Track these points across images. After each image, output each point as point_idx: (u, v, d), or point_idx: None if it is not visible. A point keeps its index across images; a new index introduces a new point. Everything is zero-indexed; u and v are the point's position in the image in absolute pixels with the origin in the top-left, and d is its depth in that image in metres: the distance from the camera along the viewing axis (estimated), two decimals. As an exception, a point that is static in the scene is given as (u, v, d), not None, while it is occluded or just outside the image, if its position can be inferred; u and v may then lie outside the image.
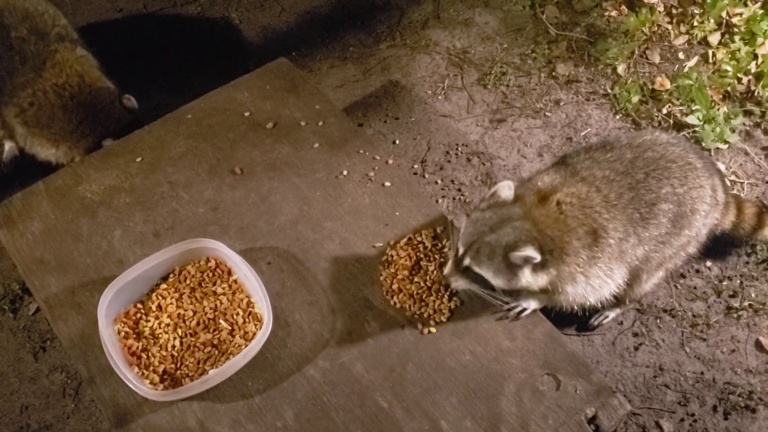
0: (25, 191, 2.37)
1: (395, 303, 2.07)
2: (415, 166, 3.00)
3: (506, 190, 1.96)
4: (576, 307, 2.09)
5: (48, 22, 2.75)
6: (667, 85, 3.16)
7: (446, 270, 1.99)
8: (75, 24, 3.00)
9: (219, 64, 3.38)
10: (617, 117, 3.13)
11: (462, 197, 2.89)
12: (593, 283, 1.99)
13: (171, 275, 2.12)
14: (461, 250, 1.93)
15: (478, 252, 1.89)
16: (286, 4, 3.61)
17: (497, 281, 1.91)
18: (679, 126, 3.04)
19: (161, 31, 3.54)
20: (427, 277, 2.10)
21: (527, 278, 1.90)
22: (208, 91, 2.61)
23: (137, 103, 2.82)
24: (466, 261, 1.91)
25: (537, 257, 1.84)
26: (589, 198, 1.97)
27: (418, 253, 2.15)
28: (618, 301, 2.25)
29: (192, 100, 2.58)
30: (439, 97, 3.24)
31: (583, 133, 3.08)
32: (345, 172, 2.38)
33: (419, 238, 2.20)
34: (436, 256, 2.15)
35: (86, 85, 2.70)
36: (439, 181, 2.94)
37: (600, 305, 2.12)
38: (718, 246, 2.50)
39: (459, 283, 1.98)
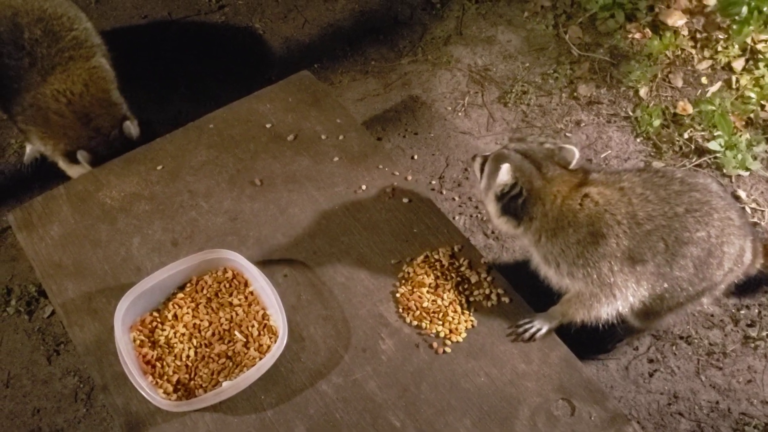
0: (45, 195, 2.39)
1: (411, 321, 2.06)
2: (433, 182, 3.00)
3: (570, 153, 2.05)
4: (585, 321, 2.06)
5: (65, 25, 2.75)
6: (690, 109, 3.14)
7: (482, 152, 2.25)
8: (100, 28, 3.03)
9: (241, 74, 3.39)
10: (638, 140, 3.11)
11: (479, 215, 2.88)
12: (563, 279, 2.03)
13: (188, 284, 2.12)
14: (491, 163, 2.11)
15: (499, 153, 2.09)
16: (310, 16, 3.63)
17: (482, 182, 2.13)
18: (701, 151, 3.02)
19: (185, 39, 3.57)
20: (444, 296, 2.09)
21: (492, 206, 2.08)
22: (230, 99, 2.63)
23: (139, 130, 2.75)
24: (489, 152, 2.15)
25: (498, 185, 2.00)
26: (615, 206, 1.96)
27: (435, 272, 2.15)
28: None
29: (213, 109, 2.60)
30: (459, 114, 3.24)
31: (603, 155, 3.07)
32: (364, 187, 2.38)
33: (437, 256, 2.19)
34: (453, 274, 2.14)
35: (88, 94, 2.66)
36: (457, 198, 2.94)
37: (613, 325, 2.10)
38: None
39: (474, 164, 2.22)
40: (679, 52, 3.35)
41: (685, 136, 3.09)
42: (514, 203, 2.02)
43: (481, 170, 2.16)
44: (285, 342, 1.94)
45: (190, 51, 3.51)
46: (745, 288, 2.64)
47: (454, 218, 2.86)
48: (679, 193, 2.01)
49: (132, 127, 2.68)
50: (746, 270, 2.22)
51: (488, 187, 2.09)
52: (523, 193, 2.00)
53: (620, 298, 1.98)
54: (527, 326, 2.04)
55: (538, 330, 2.03)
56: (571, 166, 2.04)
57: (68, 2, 2.88)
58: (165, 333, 2.02)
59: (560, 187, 2.00)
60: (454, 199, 2.94)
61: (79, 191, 2.39)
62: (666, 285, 2.00)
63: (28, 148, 3.04)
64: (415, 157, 3.08)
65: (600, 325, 2.09)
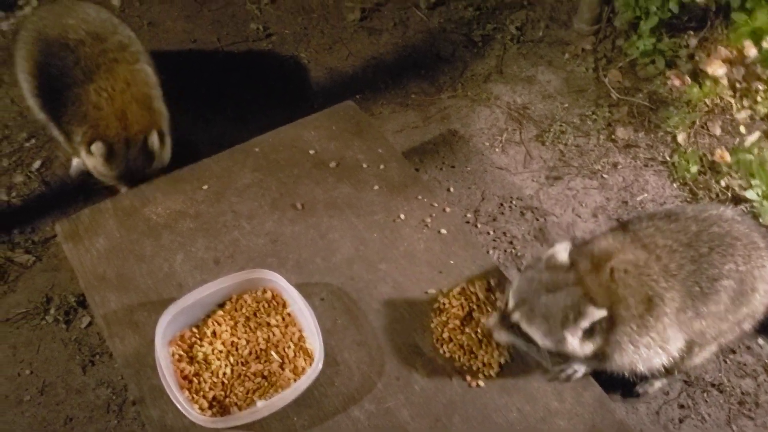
0: (92, 208, 2.46)
1: (445, 352, 2.08)
2: (468, 216, 3.03)
3: (563, 252, 1.96)
4: (626, 374, 2.07)
5: (109, 29, 2.84)
6: (727, 158, 3.15)
7: (490, 321, 2.01)
8: (151, 49, 3.13)
9: (285, 100, 3.47)
10: (675, 185, 3.12)
11: (513, 250, 2.90)
12: (642, 353, 1.97)
13: (228, 303, 2.16)
14: (511, 305, 1.94)
15: (531, 311, 1.90)
16: (354, 48, 3.72)
17: (545, 343, 1.92)
18: (738, 200, 3.03)
19: (232, 64, 3.67)
20: (479, 329, 2.10)
21: (574, 344, 1.90)
22: (273, 124, 2.69)
23: (169, 151, 2.76)
24: (516, 317, 1.93)
25: (586, 324, 1.85)
26: (647, 266, 1.97)
27: (470, 304, 2.17)
28: (667, 370, 2.22)
29: (256, 133, 2.66)
30: (497, 150, 3.28)
31: (639, 198, 3.08)
32: (402, 216, 2.41)
33: (472, 289, 2.21)
34: (488, 308, 2.16)
35: (129, 92, 2.70)
36: (491, 233, 2.96)
37: (649, 373, 2.10)
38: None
39: (502, 337, 2.00)
40: (719, 101, 3.37)
41: (722, 183, 3.09)
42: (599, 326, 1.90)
43: (518, 336, 1.97)
44: (321, 365, 1.96)
45: (236, 76, 3.60)
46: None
47: (488, 252, 2.88)
48: (698, 233, 2.03)
49: (157, 142, 2.69)
50: None
51: (559, 337, 1.90)
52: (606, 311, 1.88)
53: (673, 348, 1.99)
54: (565, 368, 2.04)
55: (575, 372, 2.03)
56: (566, 259, 1.94)
57: (113, 15, 3.00)
58: (203, 349, 2.06)
59: (590, 278, 1.92)
60: (488, 233, 2.96)
61: (125, 206, 2.45)
62: (704, 322, 2.01)
63: (74, 161, 3.13)
64: (452, 189, 3.12)
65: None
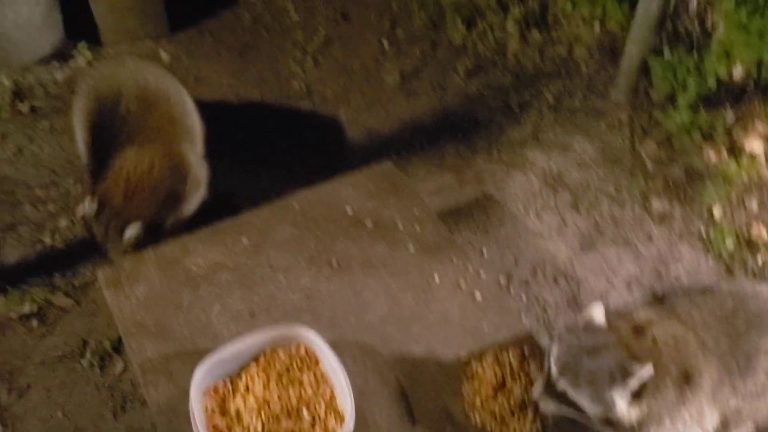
0: (135, 257, 2.52)
1: (476, 419, 2.06)
2: (501, 280, 3.04)
3: (599, 314, 1.96)
4: None
5: (160, 96, 2.93)
6: (764, 234, 3.14)
7: (535, 391, 1.99)
8: (197, 102, 3.25)
9: (324, 158, 3.56)
10: (710, 259, 3.11)
11: (546, 317, 2.89)
12: (679, 427, 1.94)
13: (262, 356, 2.18)
14: (555, 373, 1.93)
15: (576, 377, 1.87)
16: (392, 110, 3.81)
17: (593, 409, 1.88)
18: (774, 277, 3.00)
19: (274, 120, 3.78)
20: (512, 397, 2.09)
21: (622, 407, 1.85)
22: (311, 180, 2.75)
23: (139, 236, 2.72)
24: (561, 384, 1.90)
25: (635, 384, 1.81)
26: (685, 340, 1.95)
27: (504, 371, 2.16)
28: None
29: (295, 187, 2.72)
30: (531, 215, 3.31)
31: (673, 271, 3.07)
32: (437, 278, 2.43)
33: (506, 356, 2.20)
34: (522, 376, 2.15)
35: (147, 177, 2.75)
36: (525, 298, 2.96)
37: None
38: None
39: (550, 407, 1.96)
40: (756, 177, 3.38)
41: (759, 260, 3.07)
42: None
43: (566, 404, 1.93)
44: (352, 426, 1.96)
45: (278, 132, 3.71)
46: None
47: (521, 318, 2.88)
48: (735, 310, 2.01)
49: (133, 234, 2.70)
50: None
51: (606, 403, 1.86)
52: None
53: (708, 425, 1.96)
54: None
55: None
56: (603, 320, 1.95)
57: (172, 80, 3.10)
58: (236, 403, 2.07)
59: (633, 342, 1.91)
60: (522, 298, 2.97)
61: (167, 256, 2.51)
62: (741, 400, 1.98)
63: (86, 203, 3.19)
64: (485, 253, 3.14)
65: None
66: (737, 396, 1.97)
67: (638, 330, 1.96)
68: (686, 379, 1.90)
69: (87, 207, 2.73)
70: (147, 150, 2.79)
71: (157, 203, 2.78)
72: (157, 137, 2.84)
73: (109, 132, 2.83)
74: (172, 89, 3.04)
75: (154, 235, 2.69)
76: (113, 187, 2.74)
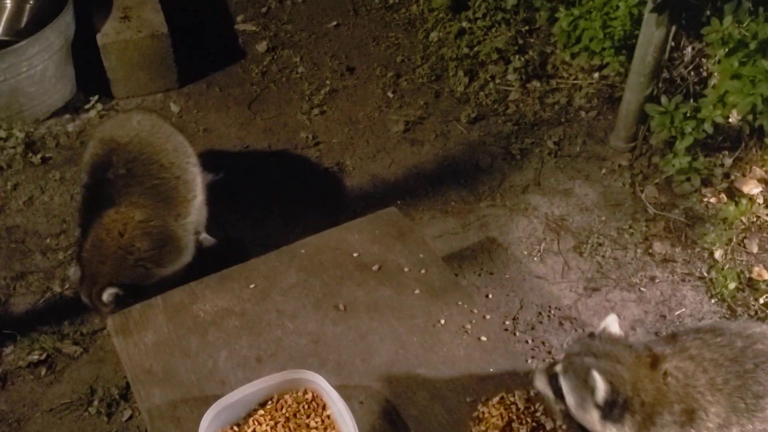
0: (143, 303, 2.55)
1: (483, 462, 2.07)
2: (506, 323, 3.06)
3: (614, 324, 2.06)
4: None
5: (161, 158, 2.94)
6: (765, 275, 3.16)
7: (539, 366, 2.13)
8: (205, 152, 3.33)
9: (330, 205, 3.62)
10: (713, 301, 3.13)
11: (551, 360, 2.89)
12: None
13: (269, 402, 2.19)
14: (558, 357, 2.05)
15: (570, 365, 1.99)
16: (396, 157, 3.89)
17: (569, 399, 2.00)
18: (778, 318, 3.02)
19: (281, 169, 3.85)
20: (518, 441, 2.09)
21: (594, 416, 1.96)
22: (318, 227, 2.80)
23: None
24: (557, 368, 2.02)
25: (600, 396, 1.90)
26: (694, 377, 1.97)
27: (510, 414, 2.16)
28: None
29: (302, 234, 2.77)
30: (535, 259, 3.34)
31: (677, 313, 3.09)
32: (442, 321, 2.45)
33: (512, 399, 2.21)
34: (528, 419, 2.15)
35: (127, 243, 2.81)
36: (530, 342, 2.98)
37: None
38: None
39: (539, 383, 2.10)
40: (755, 219, 3.42)
41: (761, 301, 3.09)
42: (616, 406, 1.95)
43: (553, 388, 2.07)
44: (359, 470, 1.96)
45: (285, 181, 3.78)
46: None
47: (527, 361, 2.88)
48: (744, 349, 2.03)
49: (110, 297, 2.76)
50: None
51: (582, 400, 1.99)
52: (622, 394, 1.95)
53: None
54: None
55: None
56: (620, 331, 2.06)
57: (175, 143, 3.06)
58: (243, 448, 2.08)
59: (645, 372, 1.99)
60: (527, 341, 2.98)
61: (175, 302, 2.54)
62: None
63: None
64: (490, 296, 3.17)
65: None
66: None
67: (654, 362, 2.01)
68: (690, 418, 1.92)
69: (72, 273, 2.84)
70: (125, 214, 2.82)
71: (127, 268, 2.82)
72: (139, 203, 2.86)
73: (98, 192, 2.87)
74: (171, 155, 3.01)
75: (137, 294, 2.71)
76: (90, 253, 2.81)
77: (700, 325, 2.23)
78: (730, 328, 2.13)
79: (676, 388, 1.95)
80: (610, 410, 1.94)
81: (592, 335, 2.10)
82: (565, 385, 2.01)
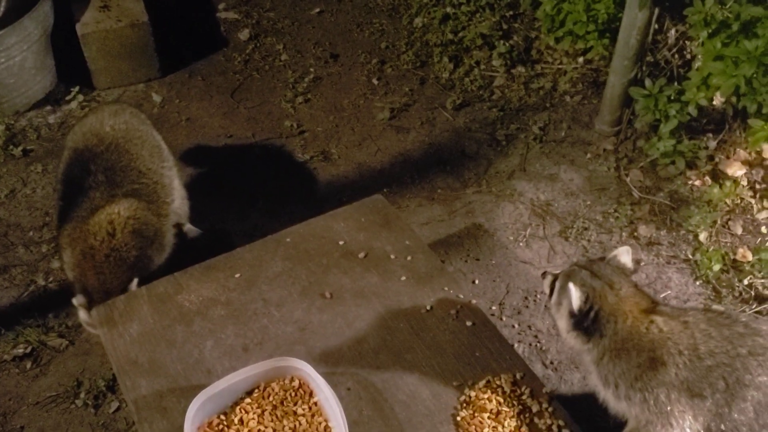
0: (128, 294, 2.53)
1: (471, 446, 2.07)
2: (493, 308, 3.06)
3: (626, 255, 2.17)
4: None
5: (131, 176, 2.90)
6: (749, 257, 3.18)
7: (549, 267, 2.36)
8: (188, 145, 3.28)
9: (315, 193, 3.61)
10: (698, 283, 3.15)
11: (538, 344, 2.91)
12: (614, 392, 2.07)
13: (256, 390, 2.19)
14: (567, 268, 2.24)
15: (571, 272, 2.17)
16: (382, 145, 3.87)
17: (554, 298, 2.22)
18: (761, 299, 3.03)
19: (266, 158, 3.83)
20: (505, 424, 2.10)
21: (562, 323, 2.16)
22: (303, 216, 2.79)
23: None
24: (561, 275, 2.20)
25: (575, 304, 2.04)
26: (678, 337, 2.00)
27: (497, 397, 2.17)
28: None
29: (287, 224, 2.76)
30: (521, 244, 3.34)
31: (663, 295, 3.10)
32: (429, 307, 2.45)
33: (498, 382, 2.22)
34: (514, 402, 2.16)
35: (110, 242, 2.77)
36: (516, 326, 2.98)
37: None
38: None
39: (545, 282, 2.31)
40: (739, 201, 3.44)
41: (745, 282, 3.11)
42: (586, 319, 2.09)
43: (551, 288, 2.26)
44: (347, 456, 1.96)
45: (270, 170, 3.76)
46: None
47: (513, 345, 2.89)
48: (743, 335, 2.03)
49: (82, 304, 2.71)
50: None
51: (559, 302, 2.19)
52: (595, 310, 2.07)
53: (677, 428, 1.97)
54: None
55: None
56: (630, 263, 2.18)
57: (151, 150, 3.02)
58: (230, 437, 2.07)
59: (631, 307, 2.07)
60: (513, 326, 2.99)
61: (160, 293, 2.53)
62: (723, 427, 1.98)
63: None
64: (477, 282, 3.17)
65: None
66: (720, 420, 1.96)
67: (649, 308, 2.08)
68: (651, 365, 1.98)
69: (78, 302, 2.71)
70: (109, 210, 2.78)
71: (127, 270, 2.79)
72: (122, 203, 2.82)
73: (78, 183, 2.83)
74: (148, 161, 2.98)
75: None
76: (83, 268, 2.75)
77: (714, 308, 2.28)
78: (739, 317, 2.13)
79: (655, 336, 2.00)
80: (578, 323, 2.08)
81: (602, 258, 2.22)
82: (557, 284, 2.22)
